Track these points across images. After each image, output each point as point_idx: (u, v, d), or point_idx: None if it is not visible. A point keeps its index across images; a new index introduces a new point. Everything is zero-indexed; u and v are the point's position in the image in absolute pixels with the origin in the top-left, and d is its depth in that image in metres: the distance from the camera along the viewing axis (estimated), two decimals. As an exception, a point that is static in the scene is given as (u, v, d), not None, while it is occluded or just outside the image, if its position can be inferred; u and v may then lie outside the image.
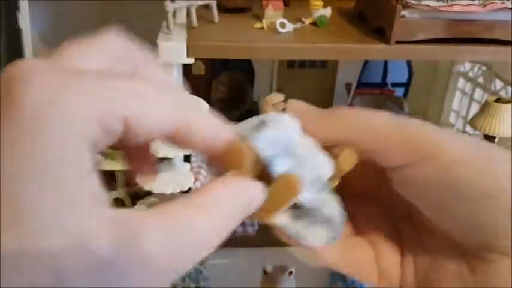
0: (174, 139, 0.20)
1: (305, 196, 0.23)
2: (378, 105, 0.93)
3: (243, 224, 0.72)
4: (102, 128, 0.17)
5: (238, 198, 0.21)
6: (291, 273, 0.57)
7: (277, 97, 0.28)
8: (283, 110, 0.26)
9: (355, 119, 0.24)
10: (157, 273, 0.17)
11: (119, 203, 0.73)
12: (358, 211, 0.28)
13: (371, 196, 0.28)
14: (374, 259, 0.27)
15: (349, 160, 0.24)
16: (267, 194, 0.22)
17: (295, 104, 0.26)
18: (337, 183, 0.25)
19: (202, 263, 0.64)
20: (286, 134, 0.23)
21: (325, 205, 0.24)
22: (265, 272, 0.57)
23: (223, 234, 0.20)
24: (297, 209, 0.24)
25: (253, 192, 0.21)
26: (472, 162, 0.22)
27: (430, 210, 0.24)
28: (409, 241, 0.27)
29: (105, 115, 0.17)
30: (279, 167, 0.22)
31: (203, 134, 0.20)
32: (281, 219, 0.24)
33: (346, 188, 0.26)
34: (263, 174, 0.22)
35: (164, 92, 0.19)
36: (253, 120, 0.23)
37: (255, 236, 0.73)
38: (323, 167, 0.24)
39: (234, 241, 0.77)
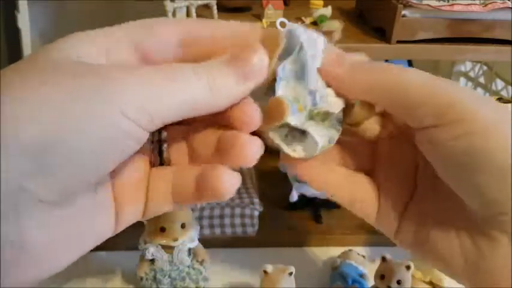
0: None
1: (291, 119, 0.25)
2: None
3: (243, 225, 0.71)
4: None
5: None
6: (291, 273, 0.57)
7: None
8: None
9: (384, 74, 0.24)
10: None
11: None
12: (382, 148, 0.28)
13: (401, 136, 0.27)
14: (375, 199, 0.28)
15: (365, 111, 0.25)
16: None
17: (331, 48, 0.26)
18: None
19: (202, 263, 0.63)
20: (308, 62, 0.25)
21: (312, 130, 0.26)
22: (265, 272, 0.57)
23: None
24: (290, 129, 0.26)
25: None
26: (501, 132, 0.21)
27: (449, 174, 0.23)
28: (419, 196, 0.27)
29: None
30: (280, 91, 0.25)
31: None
32: (274, 134, 0.26)
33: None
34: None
35: None
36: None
37: (255, 236, 0.73)
38: (327, 100, 0.25)
39: (234, 241, 0.77)
